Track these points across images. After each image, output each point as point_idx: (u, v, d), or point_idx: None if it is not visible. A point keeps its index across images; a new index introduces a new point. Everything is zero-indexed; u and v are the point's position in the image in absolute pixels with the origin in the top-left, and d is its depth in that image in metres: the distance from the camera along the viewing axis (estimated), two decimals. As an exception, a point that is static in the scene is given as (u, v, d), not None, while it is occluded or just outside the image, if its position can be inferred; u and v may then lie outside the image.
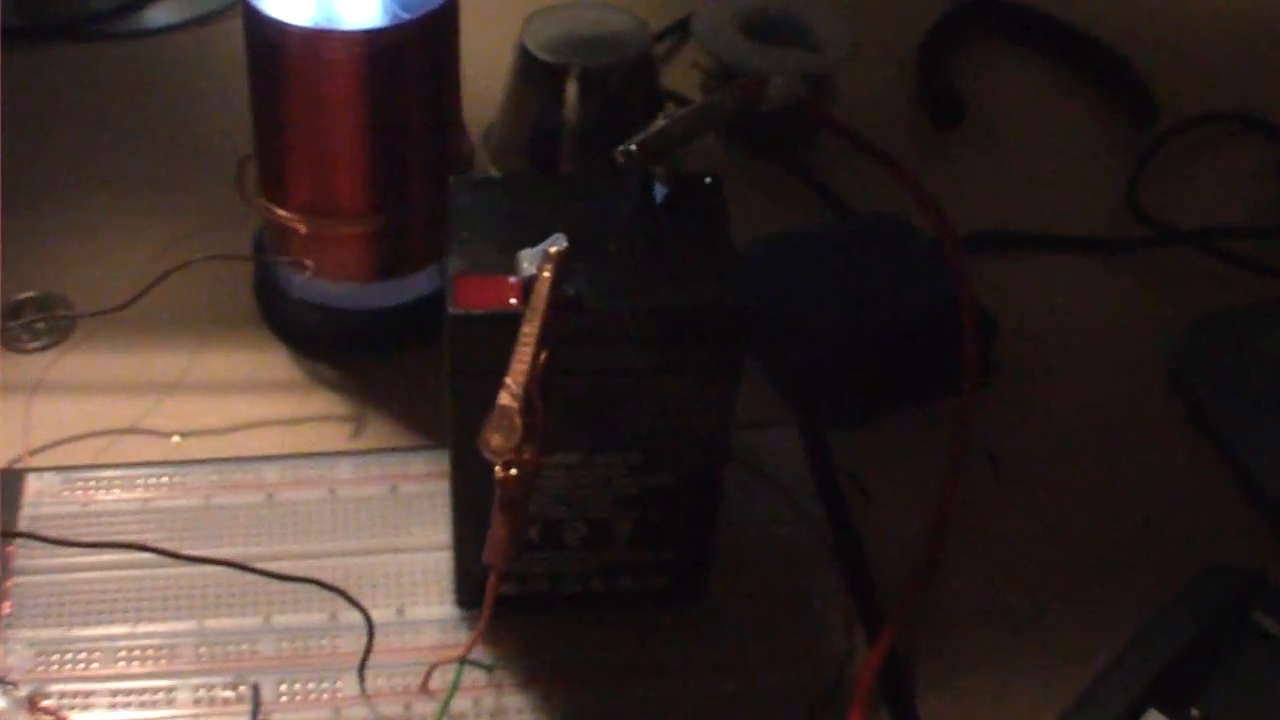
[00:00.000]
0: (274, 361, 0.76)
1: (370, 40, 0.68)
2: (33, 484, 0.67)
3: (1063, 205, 0.89)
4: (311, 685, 0.60)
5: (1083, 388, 0.78)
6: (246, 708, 0.59)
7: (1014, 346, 0.78)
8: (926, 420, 0.74)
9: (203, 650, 0.61)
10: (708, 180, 0.58)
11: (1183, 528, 0.71)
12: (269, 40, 0.68)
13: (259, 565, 0.62)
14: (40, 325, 0.77)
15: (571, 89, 0.83)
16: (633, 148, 0.56)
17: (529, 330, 0.51)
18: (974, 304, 0.73)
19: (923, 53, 0.96)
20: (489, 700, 0.60)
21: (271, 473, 0.68)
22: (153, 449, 0.72)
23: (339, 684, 0.60)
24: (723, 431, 0.57)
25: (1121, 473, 0.74)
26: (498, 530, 0.52)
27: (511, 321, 0.52)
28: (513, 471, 0.52)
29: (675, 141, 0.57)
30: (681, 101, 0.91)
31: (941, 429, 0.71)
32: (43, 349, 0.76)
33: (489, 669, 0.61)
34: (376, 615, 0.61)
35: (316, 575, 0.62)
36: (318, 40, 0.68)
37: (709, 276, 0.54)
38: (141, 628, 0.62)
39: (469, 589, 0.62)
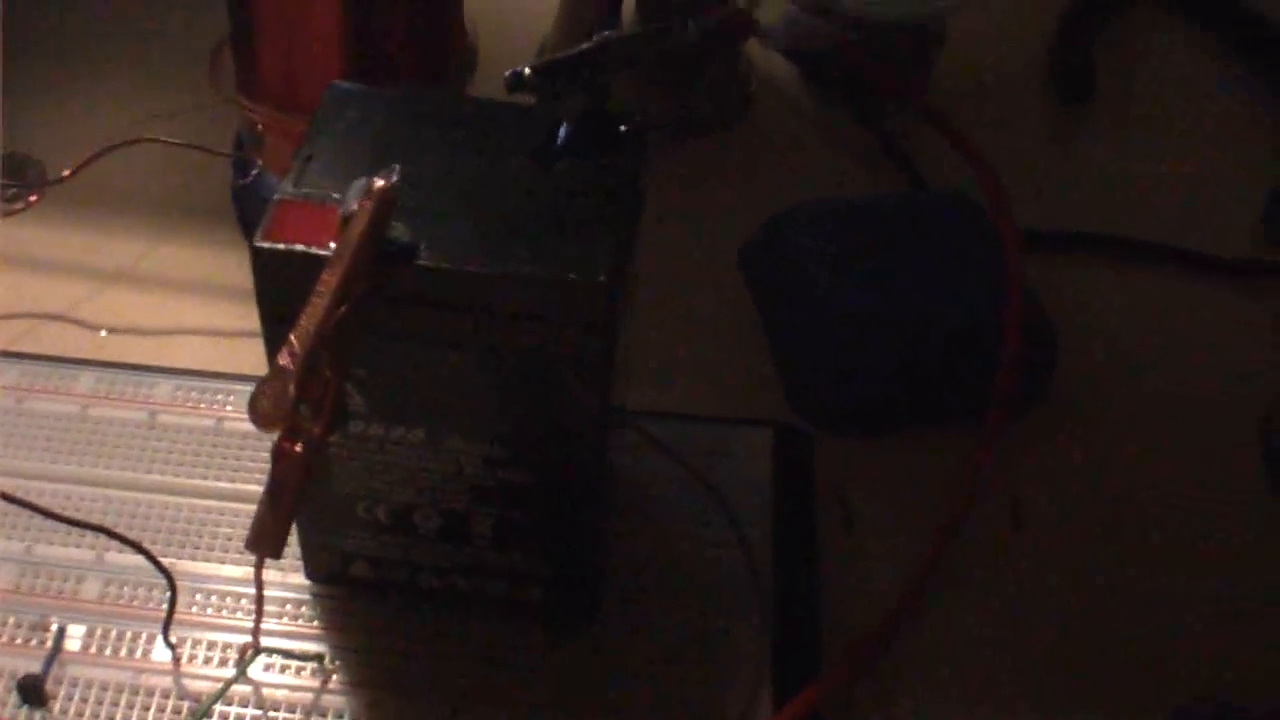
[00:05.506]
0: (236, 265, 0.68)
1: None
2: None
3: (1191, 213, 0.75)
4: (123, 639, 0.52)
5: (1150, 434, 0.64)
6: (43, 650, 0.51)
7: (1079, 372, 0.65)
8: (949, 444, 0.62)
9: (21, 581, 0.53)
10: (624, 126, 0.47)
11: (1239, 637, 0.57)
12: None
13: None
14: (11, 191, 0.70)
15: (629, 2, 0.72)
16: (525, 71, 0.45)
17: (328, 279, 0.42)
18: (1023, 312, 0.61)
19: (1068, 13, 0.82)
20: (306, 697, 0.51)
21: (165, 390, 0.60)
22: (77, 341, 0.65)
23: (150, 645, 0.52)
24: (591, 433, 0.46)
25: (1172, 547, 0.60)
26: (261, 514, 0.42)
27: (321, 266, 0.42)
28: (296, 447, 0.42)
29: (592, 69, 0.46)
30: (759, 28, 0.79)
31: (964, 458, 0.59)
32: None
33: (318, 660, 0.52)
34: (216, 571, 0.54)
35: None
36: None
37: (576, 245, 0.43)
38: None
39: (314, 562, 0.53)
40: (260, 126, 0.63)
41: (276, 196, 0.44)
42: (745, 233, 0.69)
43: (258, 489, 0.53)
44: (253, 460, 0.57)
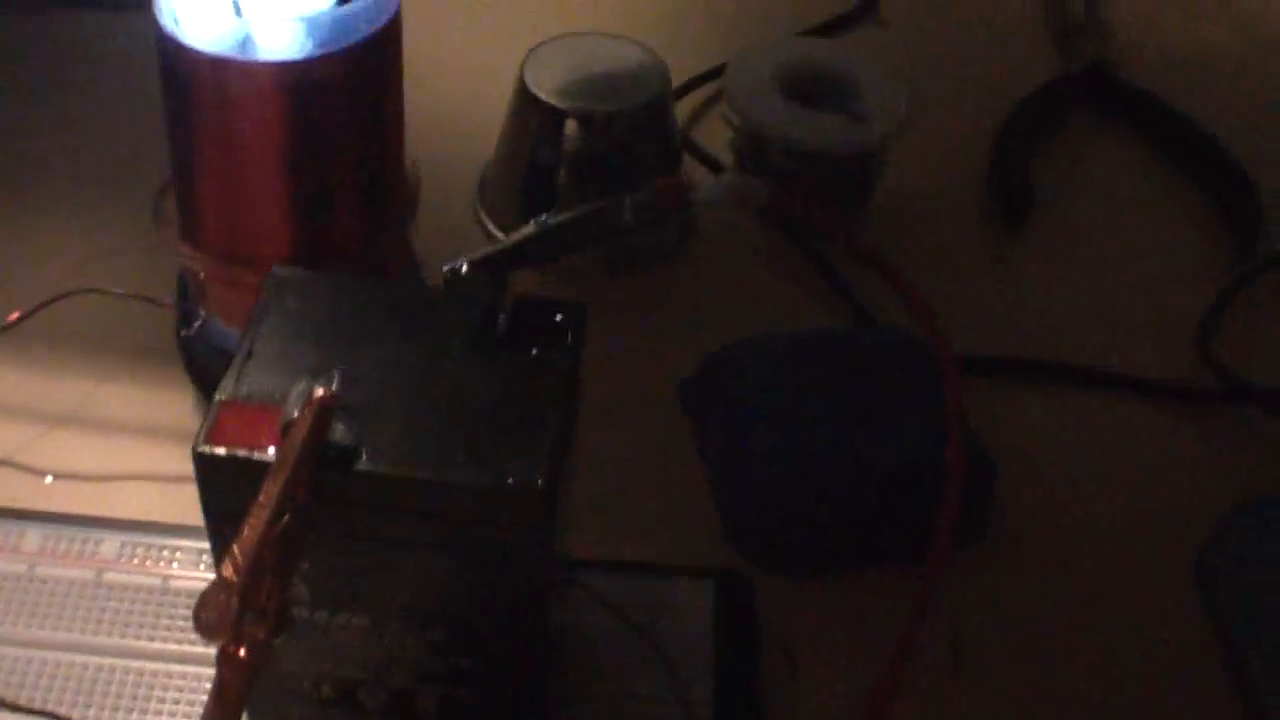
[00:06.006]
0: (181, 407, 0.68)
1: (285, 73, 0.59)
2: None
3: (1128, 335, 0.76)
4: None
5: (1090, 566, 0.65)
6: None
7: (1019, 503, 0.66)
8: (891, 581, 0.63)
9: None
10: (559, 315, 0.47)
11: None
12: (175, 64, 0.60)
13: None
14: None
15: (571, 133, 0.73)
16: (461, 267, 0.46)
17: (270, 488, 0.42)
18: (965, 450, 0.62)
19: (1004, 132, 0.83)
20: None
21: (111, 546, 0.60)
22: (23, 487, 0.65)
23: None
24: (533, 617, 0.47)
25: (1113, 685, 0.61)
26: (207, 716, 0.43)
27: (263, 471, 0.43)
28: (240, 651, 0.43)
29: (531, 260, 0.47)
30: (699, 153, 0.81)
31: (906, 597, 0.60)
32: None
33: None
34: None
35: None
36: (225, 69, 0.59)
37: (514, 447, 0.44)
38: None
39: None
40: (203, 276, 0.63)
41: (218, 397, 0.45)
42: (688, 363, 0.69)
43: (204, 651, 0.54)
44: (200, 621, 0.57)
